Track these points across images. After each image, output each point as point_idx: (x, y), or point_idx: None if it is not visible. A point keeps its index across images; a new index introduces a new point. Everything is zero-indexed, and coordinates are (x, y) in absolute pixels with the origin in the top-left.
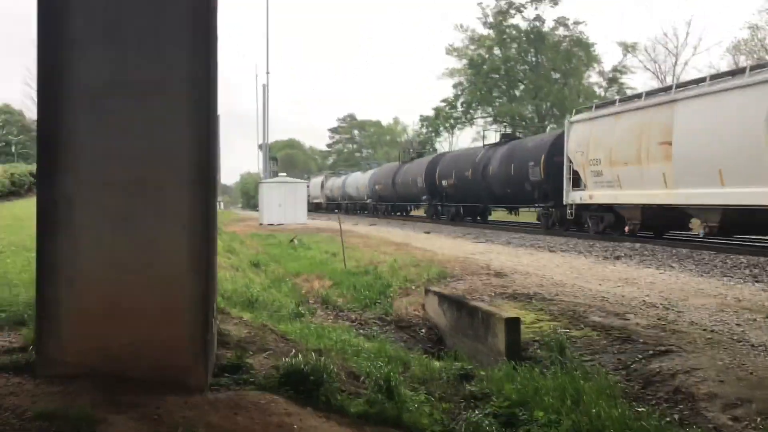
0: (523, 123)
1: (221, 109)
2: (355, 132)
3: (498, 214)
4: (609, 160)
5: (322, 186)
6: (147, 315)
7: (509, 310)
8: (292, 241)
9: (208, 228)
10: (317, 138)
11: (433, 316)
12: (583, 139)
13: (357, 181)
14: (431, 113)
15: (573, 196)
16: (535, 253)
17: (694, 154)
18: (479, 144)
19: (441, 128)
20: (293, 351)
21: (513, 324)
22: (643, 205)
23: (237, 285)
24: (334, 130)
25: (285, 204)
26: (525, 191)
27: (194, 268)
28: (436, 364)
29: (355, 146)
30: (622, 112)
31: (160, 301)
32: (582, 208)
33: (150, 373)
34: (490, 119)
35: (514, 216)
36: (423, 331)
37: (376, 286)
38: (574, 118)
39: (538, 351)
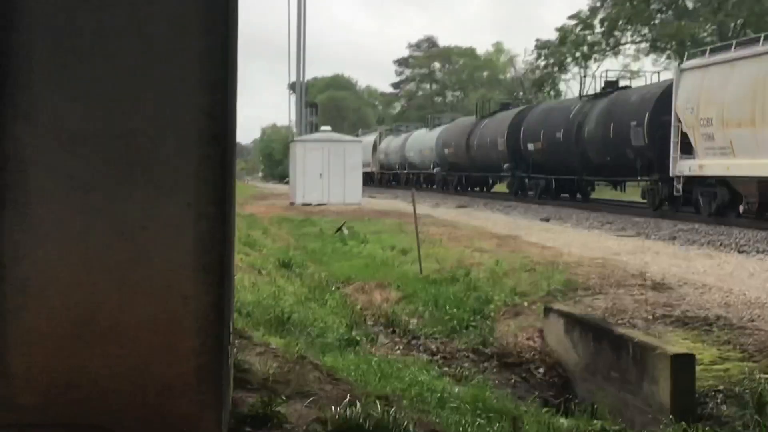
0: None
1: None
2: (436, 65)
3: (602, 191)
4: (721, 121)
5: (374, 148)
6: (134, 337)
7: (677, 343)
8: (339, 230)
9: (225, 207)
10: (378, 75)
11: (557, 349)
12: (694, 92)
13: (421, 142)
14: (552, 36)
15: (681, 166)
16: (715, 254)
17: None
18: (633, 86)
19: (568, 59)
20: (347, 397)
21: (683, 364)
22: (760, 178)
23: (261, 295)
24: (402, 62)
25: (329, 173)
26: (626, 159)
27: (203, 267)
28: (563, 422)
29: (435, 86)
30: (738, 60)
31: (153, 317)
32: (693, 181)
33: (137, 425)
34: (644, 44)
35: (619, 192)
36: (541, 370)
37: (469, 302)
38: (686, 64)
39: (723, 407)
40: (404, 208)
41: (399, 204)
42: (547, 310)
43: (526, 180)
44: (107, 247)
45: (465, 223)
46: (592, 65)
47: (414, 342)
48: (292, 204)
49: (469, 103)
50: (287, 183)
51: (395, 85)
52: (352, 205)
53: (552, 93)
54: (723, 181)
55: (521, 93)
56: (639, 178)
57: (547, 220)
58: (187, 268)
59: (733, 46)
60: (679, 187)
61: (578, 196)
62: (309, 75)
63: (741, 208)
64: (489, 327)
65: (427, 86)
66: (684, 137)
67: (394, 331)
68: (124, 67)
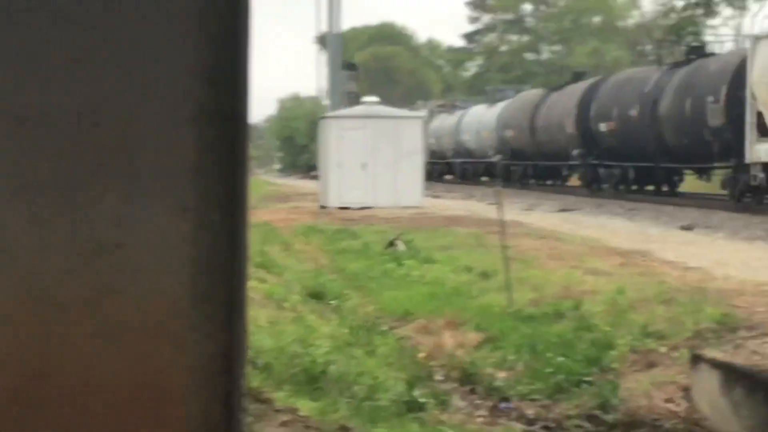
0: None
1: None
2: (526, 8)
3: (690, 182)
4: None
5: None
6: (101, 402)
7: None
8: (392, 244)
9: (235, 212)
10: (443, 24)
11: (711, 415)
12: None
13: (479, 122)
14: None
15: (759, 151)
16: None
17: None
18: None
19: None
20: None
21: None
22: None
23: (284, 339)
24: (478, 5)
25: (375, 163)
26: (703, 142)
27: (203, 299)
28: None
29: (526, 38)
30: None
31: (130, 373)
32: None
33: None
34: None
35: (704, 183)
36: None
37: (581, 347)
38: (764, 30)
39: None
40: (483, 212)
41: (475, 206)
42: (696, 359)
43: (600, 168)
44: (67, 272)
45: (571, 232)
46: (752, 5)
47: (502, 405)
48: (323, 207)
49: (574, 61)
50: (316, 178)
51: (469, 38)
52: (410, 208)
53: (691, 45)
54: None
55: (648, 46)
56: (715, 165)
57: (690, 229)
58: (179, 301)
59: None
60: (758, 175)
61: (664, 188)
62: (345, 24)
63: None
64: (610, 383)
65: (515, 38)
66: (760, 117)
67: (473, 390)
68: (83, 17)
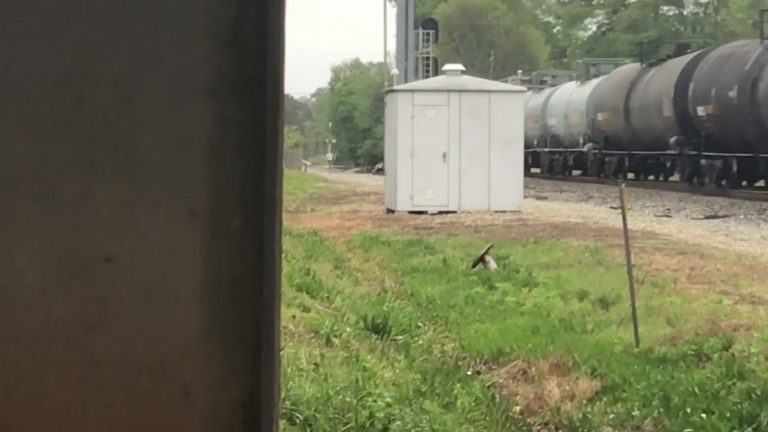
0: None
1: None
2: None
3: None
4: None
5: None
6: None
7: None
8: (481, 261)
9: (263, 216)
10: None
11: None
12: None
13: (567, 104)
14: None
15: None
16: None
17: None
18: None
19: None
20: None
21: None
22: None
23: (331, 387)
24: None
25: (460, 153)
26: None
27: (219, 332)
28: None
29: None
30: None
31: (120, 425)
32: None
33: None
34: None
35: None
36: None
37: (731, 399)
38: None
39: None
40: (602, 220)
41: (591, 210)
42: None
43: (701, 161)
44: (41, 293)
45: (719, 246)
46: None
47: None
48: (389, 212)
49: (730, 23)
50: (381, 172)
51: None
52: (506, 212)
53: None
54: None
55: None
56: None
57: None
58: (188, 334)
59: None
60: None
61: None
62: None
63: None
64: None
65: None
66: None
67: None
68: None
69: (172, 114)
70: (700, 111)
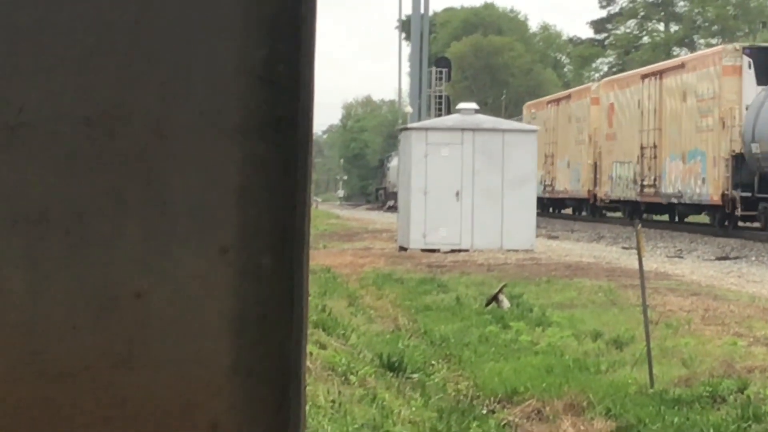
0: None
1: None
2: None
3: None
4: None
5: None
6: None
7: None
8: (495, 300)
9: (292, 254)
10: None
11: None
12: None
13: None
14: None
15: None
16: None
17: None
18: None
19: None
20: None
21: None
22: None
23: (350, 424)
24: None
25: (473, 192)
26: None
27: (249, 367)
28: None
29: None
30: None
31: None
32: None
33: None
34: None
35: None
36: None
37: None
38: None
39: None
40: (614, 260)
41: (603, 250)
42: None
43: None
44: (70, 330)
45: (732, 288)
46: None
47: None
48: (402, 249)
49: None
50: (393, 209)
51: (598, 27)
52: (518, 251)
53: None
54: None
55: None
56: None
57: None
58: (216, 372)
59: None
60: None
61: None
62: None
63: None
64: None
65: (660, 26)
66: None
67: None
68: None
69: (204, 151)
70: None
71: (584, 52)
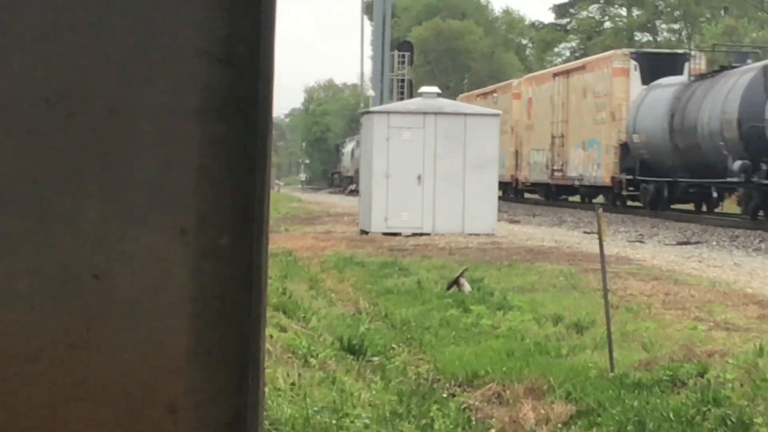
0: None
1: None
2: None
3: None
4: None
5: None
6: None
7: None
8: (455, 283)
9: (250, 236)
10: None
11: None
12: None
13: None
14: None
15: None
16: None
17: None
18: None
19: None
20: None
21: None
22: None
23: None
24: None
25: (435, 176)
26: None
27: (206, 351)
28: None
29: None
30: None
31: None
32: None
33: None
34: None
35: None
36: None
37: (706, 426)
38: None
39: None
40: (575, 244)
41: (565, 235)
42: None
43: None
44: (28, 311)
45: (693, 273)
46: None
47: None
48: (363, 233)
49: (701, 45)
50: (355, 193)
51: (559, 11)
52: (480, 235)
53: None
54: None
55: None
56: None
57: None
58: (175, 354)
59: None
60: None
61: None
62: None
63: None
64: None
65: (622, 11)
66: None
67: None
68: None
69: (163, 132)
70: None
71: (546, 37)
